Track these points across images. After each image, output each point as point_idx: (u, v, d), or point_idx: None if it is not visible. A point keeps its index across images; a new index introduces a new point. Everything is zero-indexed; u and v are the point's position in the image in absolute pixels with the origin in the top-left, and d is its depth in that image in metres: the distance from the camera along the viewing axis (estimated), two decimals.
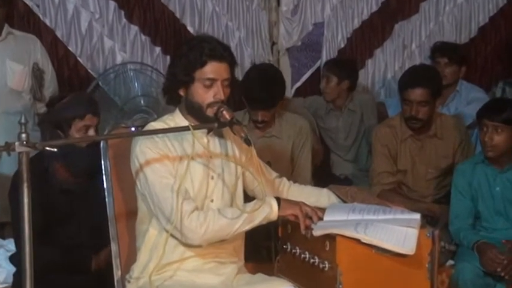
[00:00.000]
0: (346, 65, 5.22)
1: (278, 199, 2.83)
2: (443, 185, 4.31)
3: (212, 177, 2.86)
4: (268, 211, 2.78)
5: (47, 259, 3.23)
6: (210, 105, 2.77)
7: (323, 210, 2.88)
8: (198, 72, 2.77)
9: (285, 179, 3.15)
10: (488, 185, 3.86)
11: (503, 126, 3.73)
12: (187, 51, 2.79)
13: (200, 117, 2.81)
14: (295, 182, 3.20)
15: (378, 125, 4.64)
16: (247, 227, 2.78)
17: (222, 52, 2.80)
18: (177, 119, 2.87)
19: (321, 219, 2.81)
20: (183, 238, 2.74)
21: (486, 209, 3.87)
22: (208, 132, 2.87)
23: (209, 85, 2.77)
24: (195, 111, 2.81)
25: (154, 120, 3.02)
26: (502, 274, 3.61)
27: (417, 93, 4.14)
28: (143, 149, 2.76)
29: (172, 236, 2.75)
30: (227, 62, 2.81)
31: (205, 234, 2.72)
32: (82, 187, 3.52)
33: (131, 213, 2.94)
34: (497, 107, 3.81)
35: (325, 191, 3.11)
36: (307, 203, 2.89)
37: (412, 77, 4.27)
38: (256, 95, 4.07)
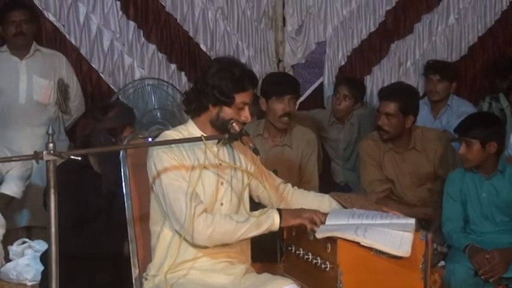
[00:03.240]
0: (361, 85, 5.35)
1: (280, 211, 2.81)
2: (434, 192, 4.23)
3: (222, 183, 2.86)
4: (270, 223, 2.77)
5: (81, 247, 3.36)
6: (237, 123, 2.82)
7: (325, 215, 2.87)
8: (238, 96, 2.79)
9: (289, 185, 3.13)
10: (476, 191, 3.84)
11: (473, 141, 3.71)
12: (229, 74, 2.79)
13: (222, 130, 2.82)
14: (304, 188, 3.18)
15: (362, 138, 4.57)
16: (250, 235, 2.78)
17: (256, 81, 2.89)
18: (191, 128, 2.87)
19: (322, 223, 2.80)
20: (191, 239, 2.74)
21: (474, 213, 3.85)
22: (218, 142, 2.87)
23: (242, 108, 2.81)
24: (219, 125, 2.82)
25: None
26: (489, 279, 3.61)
27: (385, 105, 4.12)
28: (160, 154, 2.77)
29: None
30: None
31: (211, 236, 2.72)
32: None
33: (148, 216, 2.92)
34: (469, 123, 3.82)
35: (326, 197, 3.10)
36: (310, 208, 2.90)
37: (384, 91, 4.29)
38: (284, 80, 4.28)
